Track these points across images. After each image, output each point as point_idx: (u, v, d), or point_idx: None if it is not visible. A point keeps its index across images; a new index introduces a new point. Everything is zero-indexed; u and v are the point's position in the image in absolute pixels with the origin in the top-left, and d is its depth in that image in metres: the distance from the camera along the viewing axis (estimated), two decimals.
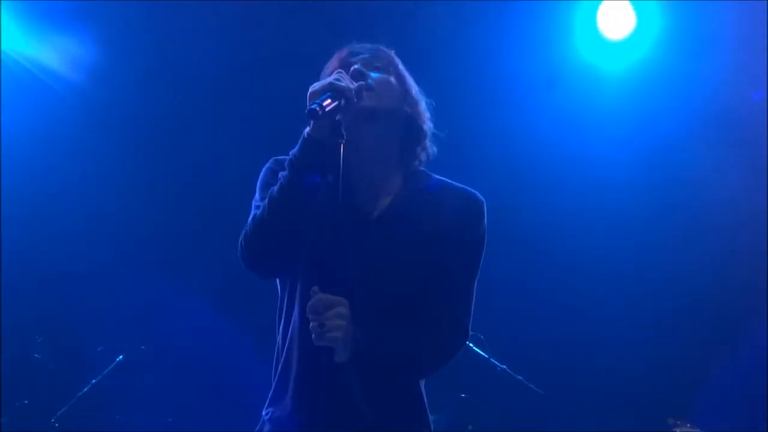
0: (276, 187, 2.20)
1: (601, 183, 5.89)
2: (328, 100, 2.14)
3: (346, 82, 2.19)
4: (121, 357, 5.51)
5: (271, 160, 2.42)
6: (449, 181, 2.43)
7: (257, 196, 2.35)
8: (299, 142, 2.20)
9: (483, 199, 2.40)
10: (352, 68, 2.27)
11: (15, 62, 5.36)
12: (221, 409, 5.72)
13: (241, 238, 2.26)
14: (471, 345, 5.31)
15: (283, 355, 2.35)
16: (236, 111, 5.64)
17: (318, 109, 2.11)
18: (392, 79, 2.35)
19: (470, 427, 5.38)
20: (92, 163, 5.73)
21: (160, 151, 5.84)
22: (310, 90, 2.20)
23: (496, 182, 5.43)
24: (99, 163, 5.73)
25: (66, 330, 5.76)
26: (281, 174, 2.21)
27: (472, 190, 2.41)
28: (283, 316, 2.38)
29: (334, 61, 2.40)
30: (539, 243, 5.95)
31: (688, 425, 5.35)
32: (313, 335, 2.12)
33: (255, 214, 2.24)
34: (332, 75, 2.22)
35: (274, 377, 2.36)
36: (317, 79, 2.27)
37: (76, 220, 5.78)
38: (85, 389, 5.40)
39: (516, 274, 5.71)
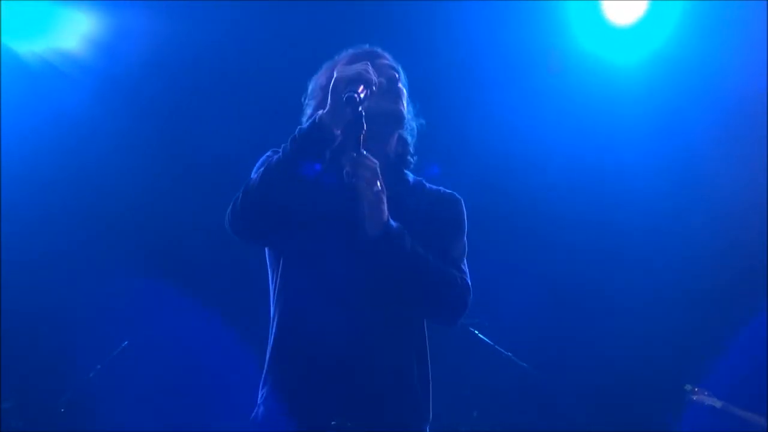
0: (275, 157, 2.25)
1: (612, 189, 5.70)
2: (361, 87, 2.20)
3: (373, 75, 2.26)
4: (126, 342, 5.53)
5: (271, 150, 2.45)
6: (428, 183, 2.60)
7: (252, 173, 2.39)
8: (310, 121, 2.23)
9: (460, 197, 2.60)
10: (390, 71, 2.40)
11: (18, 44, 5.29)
12: (218, 400, 5.72)
13: (230, 207, 2.30)
14: (476, 332, 5.33)
15: (272, 337, 2.38)
16: (249, 107, 5.55)
17: (356, 97, 2.17)
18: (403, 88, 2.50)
19: (475, 413, 5.39)
20: (98, 151, 5.68)
21: (171, 140, 5.76)
22: (338, 76, 2.24)
23: (494, 184, 5.42)
24: (104, 152, 5.69)
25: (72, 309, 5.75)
26: (283, 146, 2.25)
27: (452, 193, 2.60)
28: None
29: (349, 57, 2.48)
30: (538, 244, 5.85)
31: (706, 393, 5.38)
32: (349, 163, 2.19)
33: (252, 178, 2.28)
34: (359, 64, 2.27)
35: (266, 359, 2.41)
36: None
37: (79, 211, 5.76)
38: (92, 374, 5.41)
39: (521, 275, 5.68)
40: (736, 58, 5.08)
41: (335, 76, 2.24)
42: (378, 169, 2.23)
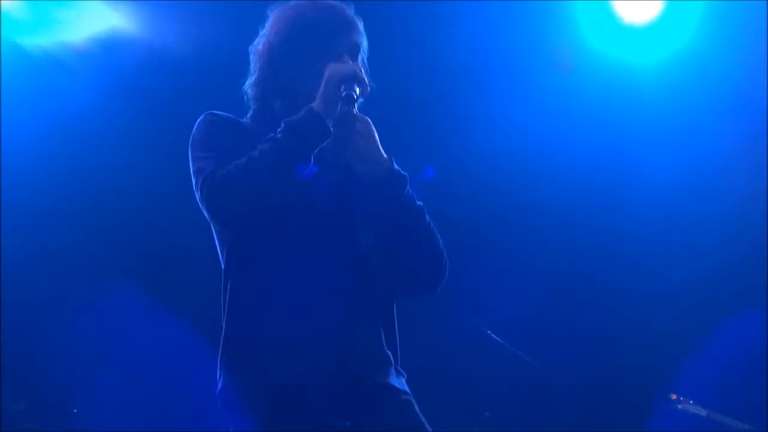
0: (267, 144, 2.16)
1: (626, 194, 5.61)
2: (356, 86, 2.22)
3: (365, 76, 2.29)
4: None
5: (209, 114, 2.40)
6: None
7: (206, 145, 2.30)
8: (303, 112, 2.19)
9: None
10: (366, 84, 2.30)
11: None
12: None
13: (211, 186, 2.17)
14: (489, 332, 5.32)
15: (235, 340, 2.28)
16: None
17: (354, 95, 2.18)
18: None
19: (487, 413, 5.38)
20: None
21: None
22: (331, 73, 2.22)
23: (503, 186, 5.38)
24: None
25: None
26: (273, 135, 2.17)
27: None
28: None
29: (333, 24, 2.41)
30: (547, 247, 5.81)
31: (691, 402, 5.37)
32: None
33: (238, 164, 2.16)
34: (352, 64, 2.29)
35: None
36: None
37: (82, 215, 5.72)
38: (106, 376, 5.42)
39: (532, 276, 5.65)
40: (762, 60, 4.86)
41: (328, 73, 2.22)
42: (371, 125, 2.26)
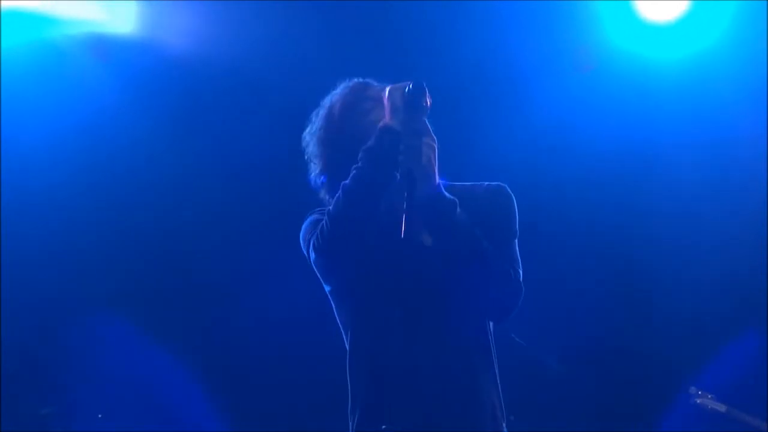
0: (349, 180, 2.23)
1: (649, 189, 5.61)
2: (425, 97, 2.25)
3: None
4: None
5: (315, 210, 2.50)
6: (469, 183, 2.53)
7: (312, 228, 2.39)
8: (376, 133, 2.24)
9: (505, 185, 2.52)
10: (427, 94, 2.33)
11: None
12: None
13: (314, 241, 2.29)
14: (514, 336, 5.30)
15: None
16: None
17: (424, 104, 2.23)
18: None
19: (512, 417, 5.36)
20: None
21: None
22: (392, 88, 2.28)
23: (523, 186, 5.31)
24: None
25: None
26: (355, 166, 2.24)
27: (496, 184, 2.52)
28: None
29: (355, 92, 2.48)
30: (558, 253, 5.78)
31: (710, 396, 5.33)
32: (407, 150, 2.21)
33: (328, 210, 2.27)
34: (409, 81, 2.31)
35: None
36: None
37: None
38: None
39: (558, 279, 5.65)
40: None
41: (388, 91, 2.28)
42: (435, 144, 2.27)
